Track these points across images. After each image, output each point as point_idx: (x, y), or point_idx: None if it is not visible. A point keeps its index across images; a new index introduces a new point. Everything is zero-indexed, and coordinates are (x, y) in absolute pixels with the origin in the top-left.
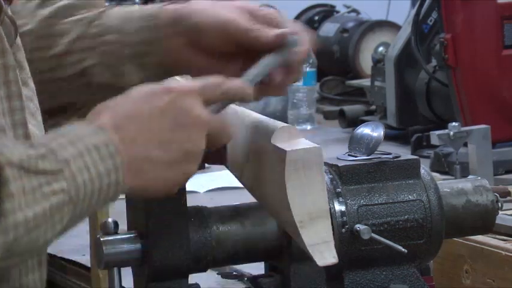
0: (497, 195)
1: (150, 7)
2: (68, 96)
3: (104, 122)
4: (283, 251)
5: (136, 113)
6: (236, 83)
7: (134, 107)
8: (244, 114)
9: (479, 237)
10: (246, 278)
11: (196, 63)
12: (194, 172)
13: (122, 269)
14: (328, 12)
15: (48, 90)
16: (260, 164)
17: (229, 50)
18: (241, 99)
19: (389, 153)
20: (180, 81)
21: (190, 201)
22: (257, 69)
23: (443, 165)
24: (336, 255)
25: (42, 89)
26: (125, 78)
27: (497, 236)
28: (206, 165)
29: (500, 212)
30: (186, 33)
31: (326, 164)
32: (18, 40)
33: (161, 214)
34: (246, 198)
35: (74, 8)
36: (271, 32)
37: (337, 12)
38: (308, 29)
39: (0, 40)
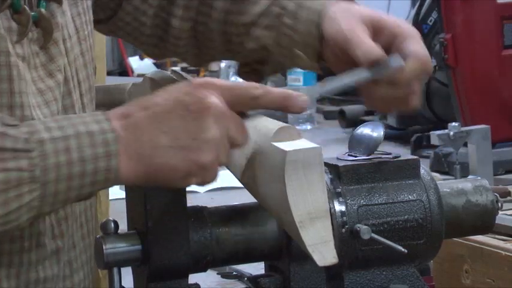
0: (497, 195)
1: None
2: (251, 60)
3: (114, 112)
4: (283, 251)
5: (150, 102)
6: (274, 92)
7: (152, 97)
8: None
9: (479, 237)
10: (246, 278)
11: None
12: (208, 161)
13: (122, 269)
14: None
15: (236, 51)
16: (260, 164)
17: (343, 59)
18: (283, 109)
19: (389, 153)
20: (205, 78)
21: (190, 201)
22: (333, 84)
23: (443, 165)
24: (336, 255)
25: (232, 50)
26: (296, 62)
27: (497, 236)
28: None
29: (500, 212)
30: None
31: (326, 164)
32: (57, 36)
33: (161, 214)
34: (246, 198)
35: None
36: (373, 54)
37: None
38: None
39: None
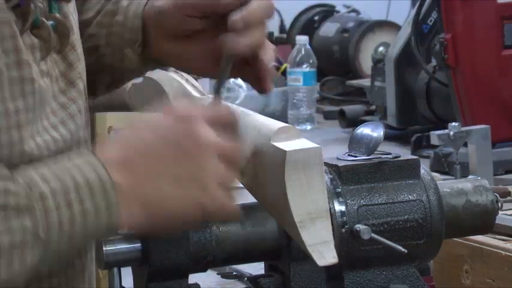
0: (497, 195)
1: None
2: (91, 71)
3: (111, 158)
4: (283, 251)
5: (144, 147)
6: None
7: (141, 140)
8: (244, 114)
9: (479, 237)
10: (246, 278)
11: (172, 51)
12: (214, 196)
13: (122, 269)
14: (328, 12)
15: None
16: (260, 164)
17: (194, 27)
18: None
19: (389, 153)
20: (185, 105)
21: None
22: (221, 79)
23: (443, 165)
24: (336, 255)
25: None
26: (125, 63)
27: (497, 236)
28: None
29: (500, 212)
30: (155, 22)
31: (326, 164)
32: (73, 39)
33: None
34: (246, 198)
35: None
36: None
37: (337, 12)
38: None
39: (17, 52)
